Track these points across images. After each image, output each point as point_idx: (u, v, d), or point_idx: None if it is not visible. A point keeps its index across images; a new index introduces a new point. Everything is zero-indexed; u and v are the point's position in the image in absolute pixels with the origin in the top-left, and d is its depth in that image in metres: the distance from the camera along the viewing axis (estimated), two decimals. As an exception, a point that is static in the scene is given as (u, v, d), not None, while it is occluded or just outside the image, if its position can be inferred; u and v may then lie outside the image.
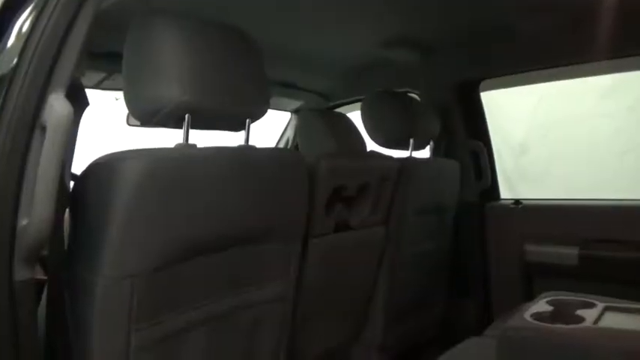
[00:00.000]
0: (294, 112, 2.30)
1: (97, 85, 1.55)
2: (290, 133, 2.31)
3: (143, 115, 0.92)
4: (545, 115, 2.55)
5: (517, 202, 1.91)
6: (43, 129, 0.71)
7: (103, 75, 1.50)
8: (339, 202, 1.34)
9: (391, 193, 1.49)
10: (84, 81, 1.58)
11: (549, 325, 0.94)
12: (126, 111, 1.20)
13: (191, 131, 0.91)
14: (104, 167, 0.82)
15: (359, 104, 1.74)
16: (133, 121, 1.49)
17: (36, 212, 0.70)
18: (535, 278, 1.84)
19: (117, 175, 0.79)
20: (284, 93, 2.10)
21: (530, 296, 1.82)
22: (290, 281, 1.15)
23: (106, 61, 1.38)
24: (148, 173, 0.81)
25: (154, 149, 0.85)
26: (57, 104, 0.71)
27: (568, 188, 2.34)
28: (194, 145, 0.93)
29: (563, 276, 1.72)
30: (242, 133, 1.04)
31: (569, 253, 1.71)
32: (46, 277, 0.84)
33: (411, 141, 1.65)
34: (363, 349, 1.59)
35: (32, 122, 0.71)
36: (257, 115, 1.02)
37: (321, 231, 1.28)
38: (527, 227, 1.84)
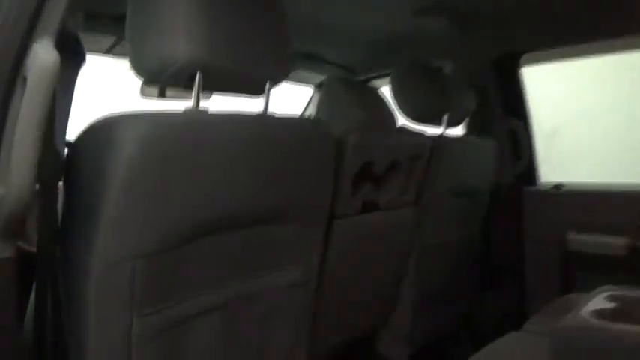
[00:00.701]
0: (318, 86, 2.17)
1: (108, 51, 1.44)
2: (312, 110, 2.18)
3: (150, 73, 0.80)
4: (579, 100, 2.38)
5: (558, 186, 1.75)
6: (25, 81, 0.60)
7: (112, 39, 1.39)
8: (366, 180, 1.22)
9: (422, 173, 1.36)
10: (92, 46, 1.49)
11: (622, 325, 0.80)
12: (139, 81, 1.09)
13: (205, 102, 0.80)
14: (100, 131, 0.70)
15: (387, 79, 1.60)
16: (148, 91, 1.38)
17: (14, 180, 0.59)
18: (576, 270, 1.69)
19: (114, 141, 0.68)
20: (307, 65, 1.96)
21: (569, 289, 1.68)
22: (311, 266, 1.03)
23: (114, 25, 1.27)
24: (151, 140, 0.69)
25: (159, 112, 0.74)
26: (42, 52, 0.60)
27: (601, 174, 2.17)
28: (205, 111, 0.81)
29: (608, 268, 1.58)
30: (261, 101, 0.92)
31: (616, 243, 1.56)
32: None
33: (445, 117, 1.51)
34: (388, 340, 1.48)
35: (12, 74, 0.60)
36: (277, 77, 0.89)
37: (346, 211, 1.16)
38: (568, 214, 1.69)
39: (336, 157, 1.04)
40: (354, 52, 1.98)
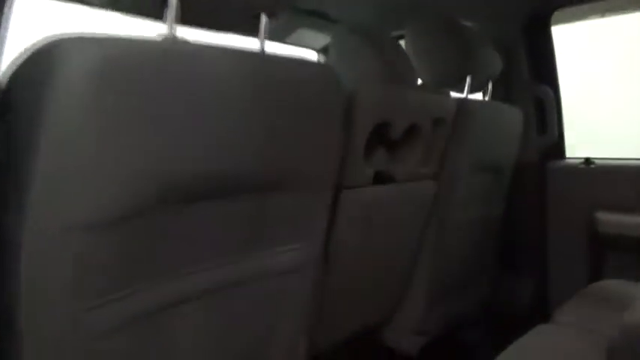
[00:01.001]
0: (321, 51, 1.97)
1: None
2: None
3: None
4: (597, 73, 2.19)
5: (588, 161, 1.57)
6: None
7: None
8: (381, 146, 1.04)
9: (445, 141, 1.18)
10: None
11: None
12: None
13: None
14: (40, 57, 0.53)
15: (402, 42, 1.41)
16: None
17: None
18: (607, 254, 1.53)
19: (58, 67, 0.50)
20: (310, 25, 1.76)
21: (597, 275, 1.52)
22: (314, 245, 0.86)
23: None
24: (108, 68, 0.51)
25: (124, 37, 0.56)
26: None
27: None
28: (184, 41, 0.63)
29: None
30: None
31: None
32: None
33: (468, 79, 1.32)
34: (399, 330, 1.32)
35: None
36: (276, 7, 0.71)
37: (357, 181, 0.98)
38: (599, 192, 1.52)
39: (345, 114, 0.86)
40: (365, 10, 1.77)
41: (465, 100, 1.24)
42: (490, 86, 1.49)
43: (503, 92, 1.58)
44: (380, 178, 1.04)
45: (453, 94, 1.33)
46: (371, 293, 1.18)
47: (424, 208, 1.19)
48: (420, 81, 1.32)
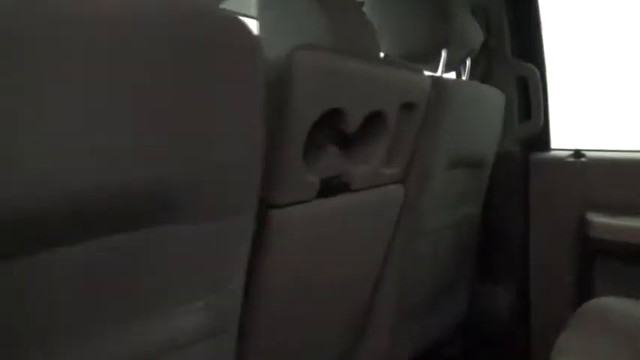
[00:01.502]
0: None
1: None
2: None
3: None
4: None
5: (577, 153, 1.34)
6: None
7: None
8: (329, 142, 0.76)
9: (416, 131, 0.91)
10: None
11: None
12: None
13: None
14: None
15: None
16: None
17: None
18: (598, 262, 1.31)
19: None
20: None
21: (589, 283, 1.30)
22: (231, 297, 0.58)
23: None
24: None
25: None
26: None
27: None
28: None
29: (638, 259, 1.21)
30: None
31: None
32: None
33: (444, 53, 1.05)
34: (366, 357, 1.05)
35: None
36: None
37: (294, 195, 0.69)
38: (590, 189, 1.30)
39: (275, 96, 0.57)
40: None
41: (441, 79, 0.96)
42: (469, 63, 1.23)
43: (481, 70, 1.32)
44: (328, 188, 0.75)
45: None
46: (321, 336, 0.91)
47: (389, 221, 0.92)
48: (382, 54, 1.04)
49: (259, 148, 0.56)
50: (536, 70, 1.32)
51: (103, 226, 0.44)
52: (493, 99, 1.16)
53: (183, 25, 0.44)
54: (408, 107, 0.86)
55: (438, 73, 1.07)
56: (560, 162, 1.36)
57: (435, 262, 1.13)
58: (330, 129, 0.74)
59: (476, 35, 1.16)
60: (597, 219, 1.27)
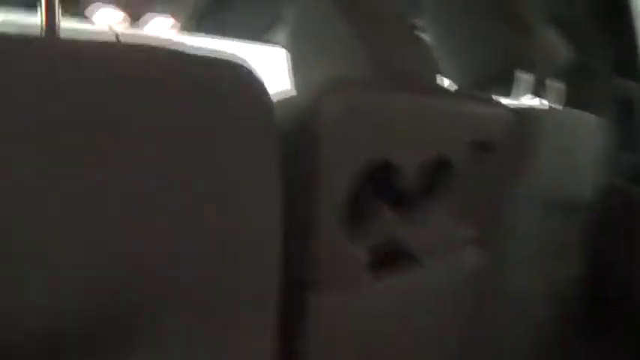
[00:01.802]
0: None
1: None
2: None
3: None
4: None
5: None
6: None
7: None
8: (380, 201, 0.58)
9: (495, 178, 0.71)
10: None
11: None
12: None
13: None
14: None
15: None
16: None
17: None
18: None
19: None
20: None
21: None
22: None
23: None
24: None
25: None
26: None
27: None
28: None
29: None
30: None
31: None
32: None
33: (522, 76, 0.86)
34: None
35: None
36: None
37: (335, 273, 0.52)
38: None
39: (300, 149, 0.43)
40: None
41: (524, 109, 0.76)
42: (554, 86, 1.02)
43: (572, 93, 1.10)
44: (382, 260, 0.57)
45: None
46: None
47: (465, 297, 0.71)
48: (445, 83, 0.87)
49: (275, 215, 0.42)
50: (641, 89, 1.08)
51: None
52: (592, 129, 0.94)
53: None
54: (481, 148, 0.66)
55: (516, 101, 0.87)
56: None
57: (527, 340, 0.90)
58: (381, 185, 0.57)
59: (561, 53, 0.95)
60: None
